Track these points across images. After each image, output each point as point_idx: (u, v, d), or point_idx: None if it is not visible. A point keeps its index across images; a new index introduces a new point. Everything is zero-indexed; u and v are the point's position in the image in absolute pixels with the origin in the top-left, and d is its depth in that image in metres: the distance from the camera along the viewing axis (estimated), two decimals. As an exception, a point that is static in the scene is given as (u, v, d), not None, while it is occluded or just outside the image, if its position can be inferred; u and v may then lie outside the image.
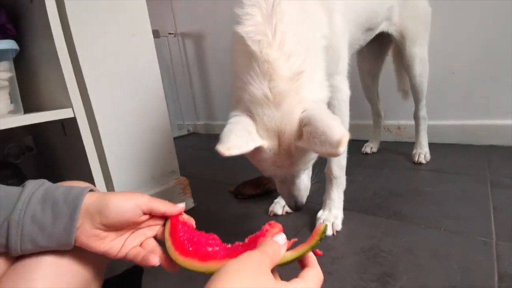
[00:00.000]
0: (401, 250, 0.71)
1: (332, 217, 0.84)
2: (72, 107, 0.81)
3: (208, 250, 0.39)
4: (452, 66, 1.38)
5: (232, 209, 1.06)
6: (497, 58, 1.27)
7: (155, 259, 0.40)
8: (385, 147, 1.52)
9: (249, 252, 0.32)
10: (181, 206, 0.45)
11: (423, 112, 1.28)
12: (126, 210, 0.39)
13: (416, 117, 1.30)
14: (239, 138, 0.53)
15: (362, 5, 0.92)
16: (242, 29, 0.58)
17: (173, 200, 1.07)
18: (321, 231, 0.37)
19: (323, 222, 0.83)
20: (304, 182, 0.70)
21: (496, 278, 0.58)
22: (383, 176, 1.16)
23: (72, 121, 0.83)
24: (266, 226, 0.39)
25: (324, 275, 0.66)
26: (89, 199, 0.39)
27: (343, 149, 0.45)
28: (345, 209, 0.89)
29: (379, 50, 1.32)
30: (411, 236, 0.76)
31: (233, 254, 0.36)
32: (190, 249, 0.39)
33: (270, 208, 0.99)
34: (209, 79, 2.57)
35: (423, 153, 1.27)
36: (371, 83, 1.41)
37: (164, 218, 0.45)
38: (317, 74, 0.62)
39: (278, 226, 0.39)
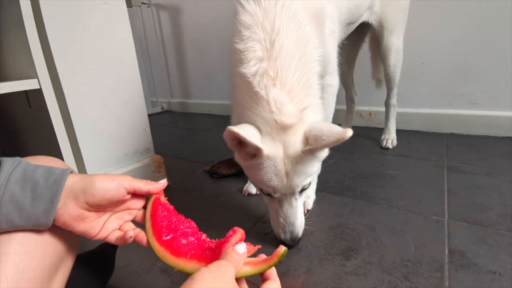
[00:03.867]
0: (364, 227, 0.77)
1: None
2: (37, 77, 0.76)
3: (182, 243, 0.41)
4: (423, 57, 1.45)
5: (207, 188, 1.08)
6: (465, 50, 1.35)
7: (131, 233, 0.42)
8: (356, 131, 1.56)
9: (217, 262, 0.35)
10: (163, 182, 0.46)
11: (393, 100, 1.34)
12: (111, 188, 0.40)
13: (386, 104, 1.36)
14: (248, 131, 0.57)
15: (346, 4, 0.93)
16: (247, 71, 0.59)
17: (148, 178, 1.06)
18: (280, 254, 0.39)
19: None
20: (300, 210, 0.69)
21: (446, 253, 0.65)
22: (353, 160, 1.22)
23: (38, 93, 0.78)
24: (230, 232, 0.41)
25: (294, 251, 0.70)
26: (72, 179, 0.39)
27: (349, 135, 0.52)
28: (317, 190, 0.93)
29: (356, 38, 1.35)
30: (374, 215, 0.82)
31: (202, 256, 0.40)
32: (167, 237, 0.41)
33: (245, 188, 1.01)
34: (185, 56, 2.48)
35: (390, 139, 1.34)
36: (348, 69, 1.45)
37: (146, 199, 0.46)
38: (316, 101, 0.67)
39: (241, 232, 0.42)
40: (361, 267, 0.63)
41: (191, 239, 0.42)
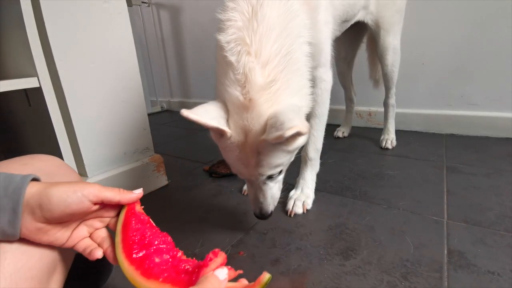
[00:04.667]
0: (364, 227, 0.77)
1: (303, 196, 0.89)
2: (37, 76, 0.76)
3: (155, 262, 0.37)
4: (423, 57, 1.45)
5: (206, 188, 1.08)
6: (464, 51, 1.35)
7: (99, 253, 0.39)
8: (356, 132, 1.59)
9: None
10: (138, 192, 0.42)
11: (392, 100, 1.34)
12: (72, 202, 0.36)
13: (385, 104, 1.36)
14: (206, 113, 0.56)
15: (340, 1, 0.93)
16: (223, 38, 0.58)
17: (147, 177, 1.06)
18: (263, 282, 0.35)
19: (294, 201, 0.87)
20: (272, 191, 0.70)
21: (445, 253, 0.65)
22: (352, 160, 1.22)
23: (37, 91, 0.78)
24: (210, 255, 0.37)
25: (293, 251, 0.70)
26: (30, 190, 0.35)
27: (289, 133, 0.49)
28: (316, 189, 0.93)
29: (355, 38, 1.35)
30: (373, 215, 0.82)
31: (177, 280, 0.36)
32: (138, 255, 0.37)
33: (244, 187, 1.01)
34: (185, 55, 2.48)
35: (389, 139, 1.34)
36: (346, 69, 1.45)
37: (119, 207, 0.42)
38: (296, 82, 0.62)
39: (222, 256, 0.38)
40: (360, 267, 0.63)
41: (166, 257, 0.38)
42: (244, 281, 0.39)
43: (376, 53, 1.27)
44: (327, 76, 0.84)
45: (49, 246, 0.39)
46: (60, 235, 0.38)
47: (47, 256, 0.40)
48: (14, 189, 0.35)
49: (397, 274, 0.60)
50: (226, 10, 0.61)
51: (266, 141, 0.55)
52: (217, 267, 0.36)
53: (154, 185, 1.09)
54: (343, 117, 1.58)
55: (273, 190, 0.71)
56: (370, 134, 1.53)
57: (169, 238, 0.41)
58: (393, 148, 1.32)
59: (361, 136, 1.53)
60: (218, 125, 0.56)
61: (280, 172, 0.68)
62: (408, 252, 0.66)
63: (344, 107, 1.57)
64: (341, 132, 1.54)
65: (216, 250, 0.38)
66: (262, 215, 0.71)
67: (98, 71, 0.90)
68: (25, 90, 0.77)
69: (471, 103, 1.39)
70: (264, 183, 0.68)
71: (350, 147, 1.39)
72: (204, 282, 0.33)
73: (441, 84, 1.44)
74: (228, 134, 0.58)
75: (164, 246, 0.39)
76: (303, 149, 0.91)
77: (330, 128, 1.65)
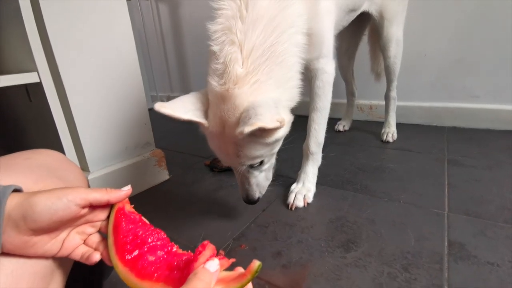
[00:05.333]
0: (365, 220, 0.77)
1: (305, 190, 0.89)
2: (37, 70, 0.76)
3: (149, 261, 0.37)
4: (425, 49, 1.44)
5: (207, 182, 1.08)
6: (467, 42, 1.34)
7: (96, 256, 0.38)
8: (357, 125, 1.59)
9: None
10: (127, 189, 0.41)
11: (393, 93, 1.33)
12: (57, 209, 0.34)
13: (386, 97, 1.35)
14: (181, 106, 0.57)
15: None
16: (212, 27, 0.58)
17: (149, 172, 1.07)
18: (254, 270, 0.34)
19: (295, 195, 0.87)
20: (258, 179, 0.71)
21: (446, 245, 0.66)
22: (353, 153, 1.22)
23: (38, 86, 0.78)
24: (200, 248, 0.36)
25: (294, 243, 0.71)
26: (10, 202, 0.33)
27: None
28: (317, 183, 0.93)
29: (356, 30, 1.34)
30: (374, 208, 0.82)
31: (169, 278, 0.35)
32: (131, 255, 0.37)
33: None
34: (184, 50, 2.47)
35: (390, 132, 1.34)
36: (347, 62, 1.44)
37: (109, 206, 0.41)
38: (281, 74, 0.61)
39: (210, 248, 0.37)
40: (361, 259, 0.64)
41: (160, 253, 0.38)
42: (240, 270, 0.38)
43: (378, 45, 1.25)
44: (329, 67, 0.82)
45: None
46: (49, 247, 0.36)
47: (41, 268, 0.39)
48: None
49: (397, 266, 0.61)
50: None
51: (240, 133, 0.54)
52: (207, 260, 0.35)
53: (156, 180, 1.10)
54: (344, 110, 1.58)
55: (259, 178, 0.71)
56: (371, 128, 1.52)
57: (163, 233, 0.41)
58: (394, 141, 1.32)
59: (362, 129, 1.53)
60: (192, 117, 0.56)
61: (262, 162, 0.68)
62: (408, 244, 0.67)
63: (345, 101, 1.56)
64: (342, 126, 1.54)
65: (205, 242, 0.37)
66: (249, 201, 0.74)
67: (98, 66, 0.90)
68: (25, 85, 0.77)
69: (473, 95, 1.38)
70: (248, 171, 0.69)
71: (351, 140, 1.39)
72: (193, 280, 0.32)
73: (443, 76, 1.43)
74: (206, 125, 0.58)
75: (159, 242, 0.39)
76: (304, 143, 0.91)
77: (331, 122, 1.64)
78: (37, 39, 0.76)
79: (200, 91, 0.62)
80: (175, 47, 2.54)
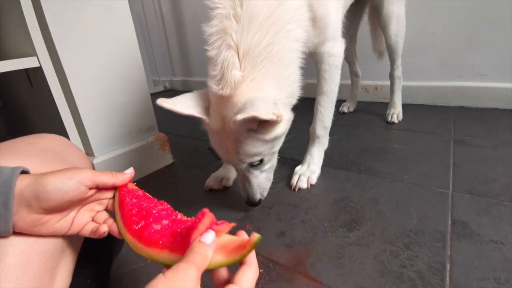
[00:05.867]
0: (368, 200, 0.77)
1: (309, 172, 0.89)
2: (36, 55, 0.75)
3: (154, 230, 0.38)
4: (433, 27, 1.39)
5: (211, 166, 1.08)
6: (476, 19, 1.29)
7: (104, 228, 0.40)
8: (361, 107, 1.56)
9: (175, 268, 0.31)
10: (130, 172, 0.43)
11: (398, 72, 1.30)
12: (68, 189, 0.36)
13: (391, 76, 1.32)
14: (183, 102, 0.59)
15: None
16: (207, 30, 0.57)
17: (153, 156, 1.07)
18: (254, 242, 0.35)
19: (299, 176, 0.87)
20: (258, 179, 0.70)
21: (449, 223, 0.66)
22: (357, 135, 1.21)
23: (38, 71, 0.78)
24: (199, 215, 0.37)
25: (298, 224, 0.71)
26: (21, 183, 0.34)
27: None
28: (321, 165, 0.93)
29: (356, 10, 1.29)
30: (377, 188, 0.82)
31: (173, 244, 0.36)
32: (138, 226, 0.39)
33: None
34: (186, 34, 2.42)
35: (396, 113, 1.32)
36: (349, 43, 1.40)
37: (114, 188, 0.43)
38: (279, 72, 0.60)
39: (210, 217, 0.37)
40: (363, 238, 0.64)
41: (165, 222, 0.39)
42: (243, 234, 0.40)
43: (379, 23, 1.21)
44: (336, 50, 0.80)
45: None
46: (59, 225, 0.38)
47: (50, 247, 0.40)
48: (4, 182, 0.33)
49: (400, 244, 0.61)
50: None
51: (239, 128, 0.56)
52: (206, 229, 0.36)
53: (160, 164, 1.11)
54: (348, 92, 1.55)
55: (259, 179, 0.71)
56: (377, 109, 1.50)
57: (166, 204, 0.43)
58: (399, 122, 1.30)
59: (367, 111, 1.51)
60: (193, 113, 0.57)
61: (261, 161, 0.67)
62: (411, 224, 0.67)
63: (349, 82, 1.53)
64: (346, 107, 1.52)
65: (204, 210, 0.38)
66: (250, 202, 0.72)
67: (97, 49, 0.89)
68: (26, 70, 0.77)
69: (481, 74, 1.34)
70: (248, 170, 0.68)
71: (355, 122, 1.37)
72: (189, 254, 0.33)
73: (451, 54, 1.39)
74: (207, 121, 0.59)
75: (163, 212, 0.41)
76: (311, 126, 0.90)
77: (336, 104, 1.63)
78: (35, 24, 0.75)
79: (202, 90, 0.63)
80: (176, 30, 2.49)
